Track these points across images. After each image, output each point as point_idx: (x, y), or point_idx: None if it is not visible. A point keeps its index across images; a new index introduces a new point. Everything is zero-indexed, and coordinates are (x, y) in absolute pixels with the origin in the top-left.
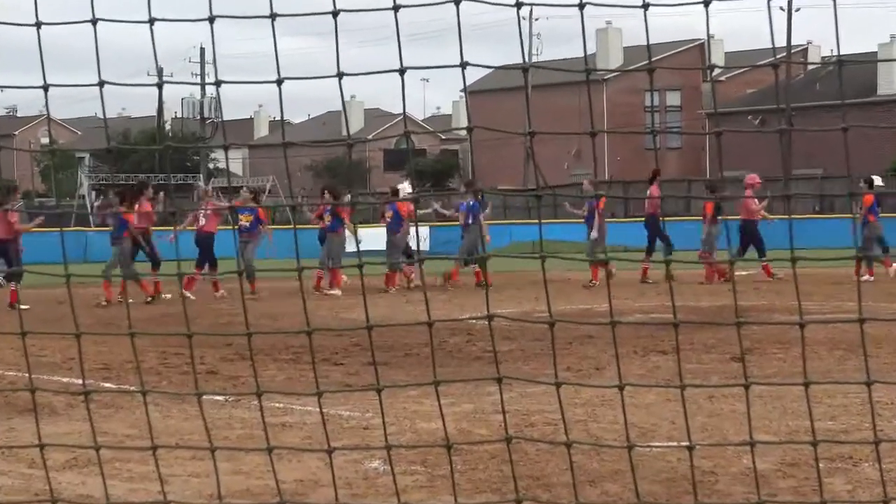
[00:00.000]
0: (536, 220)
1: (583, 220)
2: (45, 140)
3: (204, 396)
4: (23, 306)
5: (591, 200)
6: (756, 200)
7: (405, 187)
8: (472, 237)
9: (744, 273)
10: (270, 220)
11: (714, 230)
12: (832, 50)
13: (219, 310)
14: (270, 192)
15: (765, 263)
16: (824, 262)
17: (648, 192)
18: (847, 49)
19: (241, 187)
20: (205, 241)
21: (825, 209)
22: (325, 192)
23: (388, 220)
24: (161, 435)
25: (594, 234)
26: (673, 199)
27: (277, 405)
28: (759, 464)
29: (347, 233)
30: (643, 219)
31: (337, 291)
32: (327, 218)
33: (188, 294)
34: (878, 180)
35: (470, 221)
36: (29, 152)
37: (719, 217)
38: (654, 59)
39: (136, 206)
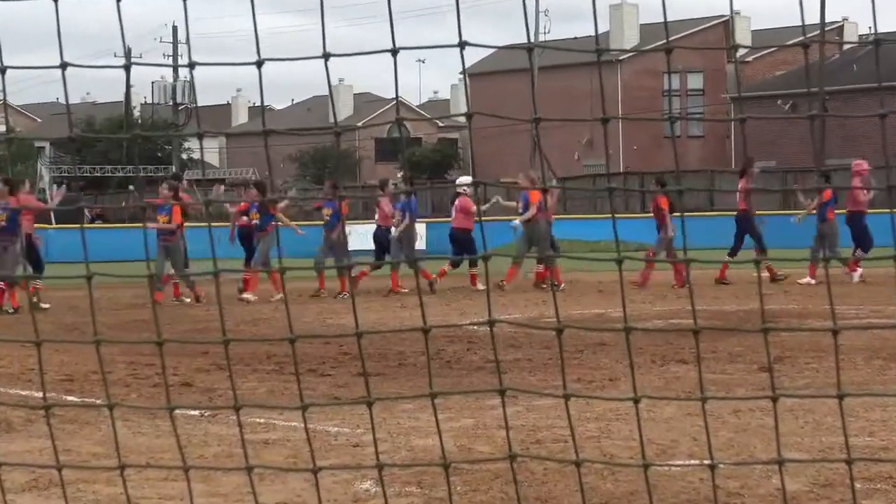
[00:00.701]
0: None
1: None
2: (2, 128)
3: (177, 411)
4: (44, 305)
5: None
6: (864, 191)
7: (466, 179)
8: (409, 237)
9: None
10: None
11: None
12: (870, 27)
13: (194, 315)
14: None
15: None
16: (862, 262)
17: (739, 186)
18: (886, 27)
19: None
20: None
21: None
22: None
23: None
24: (130, 453)
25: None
26: (694, 193)
27: (258, 420)
28: (789, 484)
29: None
30: (734, 214)
31: (249, 296)
32: (254, 214)
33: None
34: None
35: (406, 221)
36: None
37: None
38: (672, 38)
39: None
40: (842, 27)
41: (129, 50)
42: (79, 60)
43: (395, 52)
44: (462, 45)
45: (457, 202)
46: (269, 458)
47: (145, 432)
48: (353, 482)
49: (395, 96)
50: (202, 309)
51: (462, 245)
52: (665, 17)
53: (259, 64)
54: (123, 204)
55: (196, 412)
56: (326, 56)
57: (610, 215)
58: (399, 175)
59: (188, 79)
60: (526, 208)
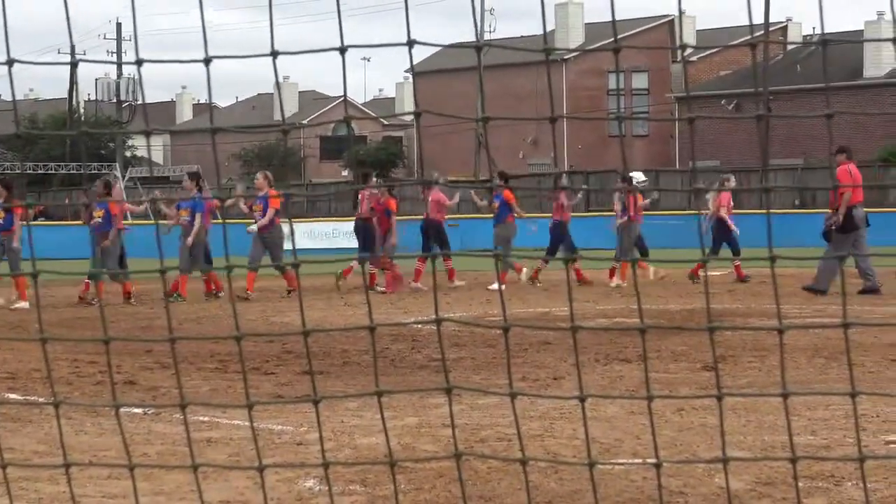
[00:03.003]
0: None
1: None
2: None
3: (121, 409)
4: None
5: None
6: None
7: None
8: (200, 239)
9: (716, 273)
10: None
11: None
12: (814, 28)
13: (137, 313)
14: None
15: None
16: (806, 262)
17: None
18: (831, 27)
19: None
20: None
21: (806, 203)
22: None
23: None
24: (73, 451)
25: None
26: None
27: (202, 418)
28: (732, 483)
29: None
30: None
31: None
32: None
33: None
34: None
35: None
36: None
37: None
38: (619, 37)
39: None
40: (786, 27)
41: (73, 47)
42: (21, 57)
43: (343, 50)
44: (410, 43)
45: (431, 195)
46: (212, 457)
47: (88, 430)
48: (296, 480)
49: (341, 94)
50: (147, 307)
51: (434, 237)
52: (613, 16)
53: (207, 61)
54: (66, 201)
55: (140, 410)
56: (274, 54)
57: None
58: (343, 173)
59: (132, 76)
60: (501, 209)
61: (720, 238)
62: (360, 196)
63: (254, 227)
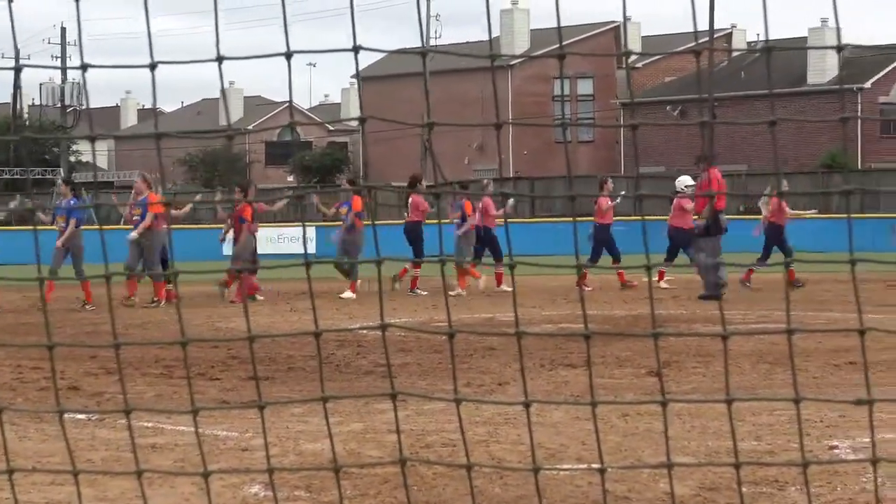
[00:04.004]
0: (436, 220)
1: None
2: None
3: (65, 414)
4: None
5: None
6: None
7: (685, 179)
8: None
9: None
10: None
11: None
12: (758, 35)
13: (81, 319)
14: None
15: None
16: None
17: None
18: (774, 34)
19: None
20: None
21: (751, 209)
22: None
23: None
24: (17, 457)
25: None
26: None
27: (147, 424)
28: (677, 488)
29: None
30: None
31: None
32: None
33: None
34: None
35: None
36: None
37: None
38: (564, 43)
39: None
40: (730, 34)
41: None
42: None
43: (288, 55)
44: (356, 49)
45: (411, 199)
46: (157, 463)
47: (31, 436)
48: (241, 486)
49: (286, 100)
50: (93, 312)
51: (411, 240)
52: (559, 22)
53: (152, 67)
54: (12, 206)
55: (84, 416)
56: (220, 59)
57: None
58: (289, 178)
59: (77, 80)
60: (463, 218)
61: (771, 243)
62: (410, 200)
63: (134, 234)
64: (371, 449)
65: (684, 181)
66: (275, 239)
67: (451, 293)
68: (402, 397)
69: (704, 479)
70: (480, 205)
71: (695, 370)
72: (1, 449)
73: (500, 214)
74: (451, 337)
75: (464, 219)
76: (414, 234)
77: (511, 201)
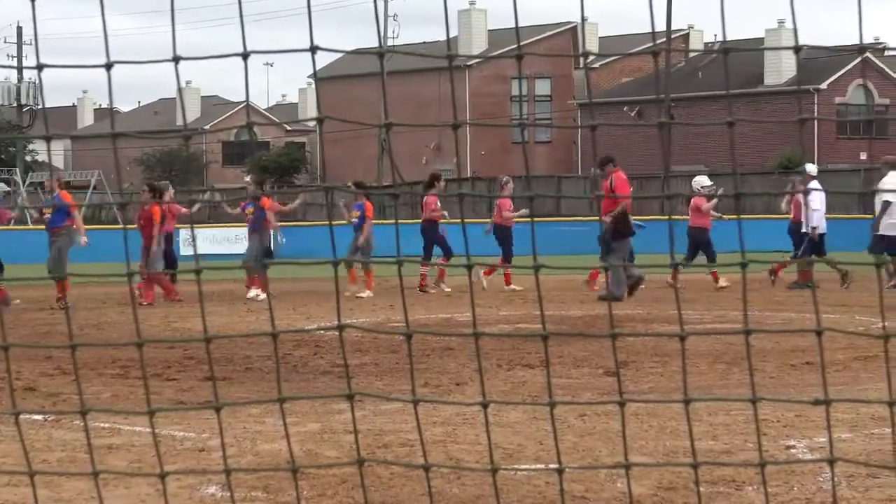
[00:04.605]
0: (393, 220)
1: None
2: None
3: (21, 415)
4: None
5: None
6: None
7: (702, 179)
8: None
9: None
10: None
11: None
12: (716, 35)
13: (36, 319)
14: (96, 188)
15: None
16: (707, 268)
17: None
18: (731, 35)
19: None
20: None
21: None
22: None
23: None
24: None
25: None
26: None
27: (102, 425)
28: (634, 487)
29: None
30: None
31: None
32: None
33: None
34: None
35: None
36: None
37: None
38: (522, 43)
39: None
40: (688, 35)
41: None
42: None
43: (245, 55)
44: (313, 49)
45: (426, 199)
46: (113, 463)
47: None
48: (198, 487)
49: (243, 99)
50: (46, 312)
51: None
52: (517, 23)
53: (108, 66)
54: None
55: (40, 417)
56: (176, 59)
57: (459, 220)
58: (246, 178)
59: (33, 80)
60: (362, 219)
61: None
62: (425, 199)
63: (84, 239)
64: (328, 449)
65: (701, 181)
66: (231, 239)
67: (358, 294)
68: (360, 398)
69: (662, 478)
70: (497, 203)
71: (652, 370)
72: None
73: (519, 214)
74: (408, 338)
75: (362, 219)
76: (430, 235)
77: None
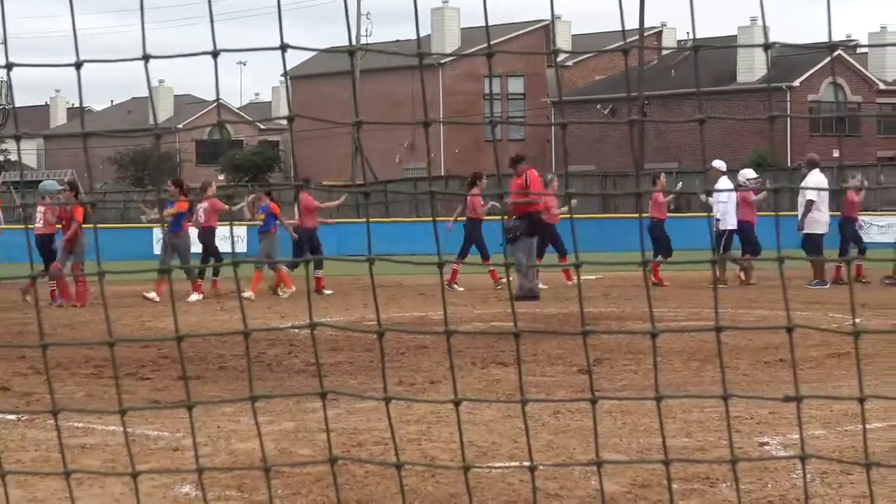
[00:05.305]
0: (365, 219)
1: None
2: None
3: None
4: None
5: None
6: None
7: (748, 172)
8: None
9: (591, 278)
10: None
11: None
12: (688, 33)
13: (8, 318)
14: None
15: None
16: (680, 265)
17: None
18: (704, 33)
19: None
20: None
21: (682, 207)
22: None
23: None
24: None
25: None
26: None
27: (76, 424)
28: (607, 485)
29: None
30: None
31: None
32: (259, 216)
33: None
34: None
35: None
36: None
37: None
38: (493, 41)
39: None
40: (660, 33)
41: None
42: None
43: (215, 54)
44: (283, 47)
45: (469, 198)
46: (87, 463)
47: None
48: (172, 486)
49: (216, 98)
50: (19, 312)
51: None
52: (486, 21)
53: (78, 65)
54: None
55: (13, 416)
56: (146, 58)
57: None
58: (220, 177)
59: (5, 79)
60: (267, 220)
61: (847, 237)
62: (469, 199)
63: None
64: (303, 448)
65: (746, 174)
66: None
67: (243, 294)
68: (333, 396)
69: (636, 476)
70: (543, 200)
71: (626, 367)
72: None
73: (564, 211)
74: (380, 336)
75: (268, 221)
76: (475, 234)
77: (574, 201)
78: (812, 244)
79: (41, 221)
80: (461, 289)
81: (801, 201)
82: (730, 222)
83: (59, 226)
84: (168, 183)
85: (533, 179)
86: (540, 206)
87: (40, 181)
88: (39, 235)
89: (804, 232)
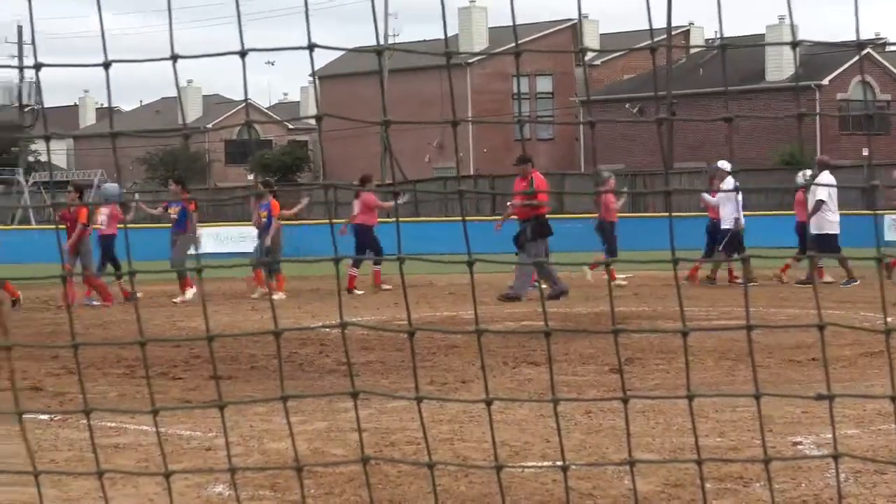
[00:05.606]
0: (394, 219)
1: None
2: None
3: (28, 415)
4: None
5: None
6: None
7: (808, 172)
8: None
9: (622, 277)
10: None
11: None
12: (716, 32)
13: (41, 319)
14: (99, 188)
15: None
16: (710, 264)
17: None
18: (732, 31)
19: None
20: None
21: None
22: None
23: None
24: None
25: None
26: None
27: (109, 424)
28: (641, 485)
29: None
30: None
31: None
32: (263, 213)
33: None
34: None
35: None
36: None
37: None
38: (521, 40)
39: None
40: (688, 31)
41: None
42: None
43: (243, 53)
44: (311, 47)
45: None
46: (120, 463)
47: None
48: (205, 486)
49: (244, 98)
50: (51, 312)
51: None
52: (514, 20)
53: (106, 65)
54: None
55: (46, 416)
56: (175, 57)
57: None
58: (249, 177)
59: (34, 80)
60: (270, 219)
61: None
62: (604, 198)
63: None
64: (336, 447)
65: (807, 173)
66: (235, 237)
67: (252, 295)
68: (365, 396)
69: (669, 475)
70: (602, 199)
71: (658, 367)
72: None
73: (621, 207)
74: (410, 335)
75: (270, 219)
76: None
77: (623, 198)
78: (828, 244)
79: (105, 223)
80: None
81: (810, 200)
82: (728, 221)
83: (64, 227)
84: (170, 182)
85: (539, 182)
86: (545, 210)
87: (69, 181)
88: (103, 237)
89: (819, 233)
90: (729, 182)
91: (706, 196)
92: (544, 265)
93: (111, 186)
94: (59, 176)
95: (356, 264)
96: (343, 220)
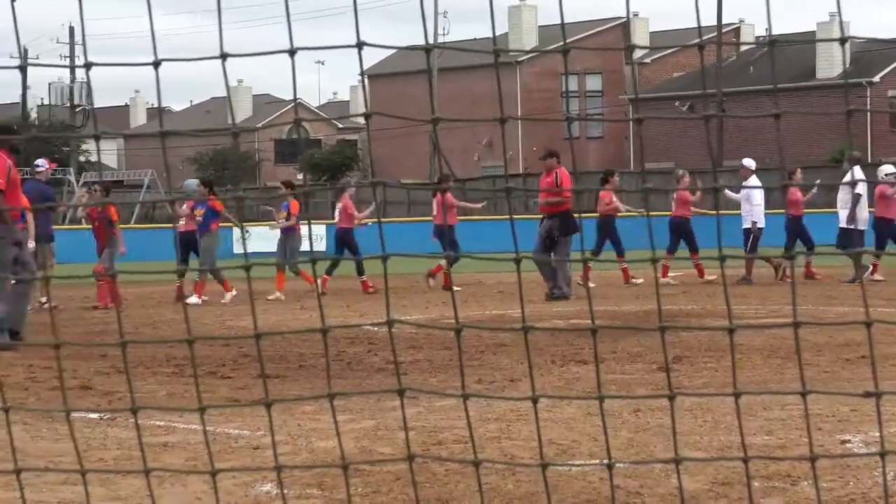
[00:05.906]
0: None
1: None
2: None
3: (76, 414)
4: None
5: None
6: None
7: (887, 168)
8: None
9: (672, 275)
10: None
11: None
12: (766, 29)
13: (91, 318)
14: (150, 188)
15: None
16: (761, 262)
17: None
18: (784, 29)
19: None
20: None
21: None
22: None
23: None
24: (28, 457)
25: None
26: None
27: (158, 423)
28: (688, 483)
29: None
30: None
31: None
32: (282, 214)
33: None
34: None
35: None
36: None
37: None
38: (571, 39)
39: None
40: (738, 29)
41: (26, 51)
42: None
43: (292, 52)
44: (360, 45)
45: (600, 193)
46: (168, 461)
47: (44, 436)
48: (253, 484)
49: (293, 97)
50: (99, 311)
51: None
52: (562, 18)
53: (156, 65)
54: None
55: (95, 415)
56: (224, 56)
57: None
58: (299, 177)
59: (85, 80)
60: (289, 218)
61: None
62: (600, 193)
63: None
64: (383, 446)
65: (886, 169)
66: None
67: (268, 297)
68: (412, 394)
69: (717, 473)
70: (675, 196)
71: (706, 365)
72: (9, 449)
73: (695, 201)
74: (457, 333)
75: (289, 219)
76: (607, 227)
77: (698, 194)
78: (852, 241)
79: (184, 220)
80: (593, 284)
81: (840, 197)
82: (760, 220)
83: (92, 226)
84: (198, 183)
85: (564, 178)
86: (568, 206)
87: (121, 181)
88: (182, 233)
89: (849, 227)
90: (753, 181)
91: (728, 192)
92: (562, 266)
93: (191, 182)
94: (109, 176)
95: (451, 262)
96: (393, 219)
